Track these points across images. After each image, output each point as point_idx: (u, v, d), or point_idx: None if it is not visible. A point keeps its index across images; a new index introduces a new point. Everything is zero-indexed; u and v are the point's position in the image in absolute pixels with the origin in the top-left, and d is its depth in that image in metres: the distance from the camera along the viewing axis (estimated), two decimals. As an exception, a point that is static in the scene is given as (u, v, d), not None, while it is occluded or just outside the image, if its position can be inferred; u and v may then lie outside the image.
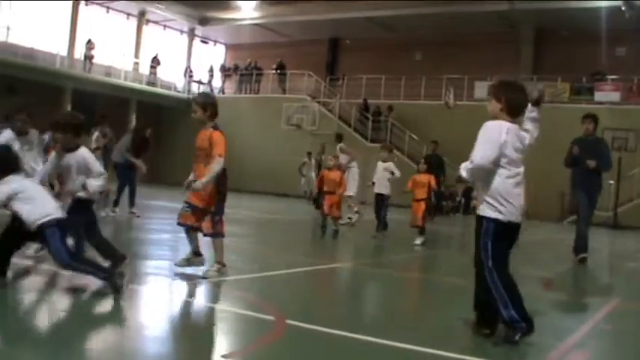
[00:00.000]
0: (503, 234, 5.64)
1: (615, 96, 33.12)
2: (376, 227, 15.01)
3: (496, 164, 5.54)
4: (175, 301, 7.15)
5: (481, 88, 35.07)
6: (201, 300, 7.17)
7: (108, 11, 41.87)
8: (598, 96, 33.36)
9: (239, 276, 8.46)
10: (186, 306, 6.79)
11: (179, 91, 44.11)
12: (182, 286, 7.74)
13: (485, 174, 5.59)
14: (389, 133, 36.12)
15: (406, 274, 10.82)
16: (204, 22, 44.88)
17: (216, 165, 7.60)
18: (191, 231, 8.13)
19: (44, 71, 35.11)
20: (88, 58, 37.98)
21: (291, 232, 17.35)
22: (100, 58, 38.81)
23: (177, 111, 42.04)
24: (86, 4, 40.22)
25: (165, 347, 5.14)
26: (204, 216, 7.97)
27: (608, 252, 18.51)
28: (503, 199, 5.55)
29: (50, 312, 6.00)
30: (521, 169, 5.68)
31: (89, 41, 38.03)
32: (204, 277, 7.81)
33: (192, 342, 5.28)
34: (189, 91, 44.53)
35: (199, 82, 45.44)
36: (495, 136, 5.52)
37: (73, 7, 39.24)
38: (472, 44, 38.23)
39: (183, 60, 46.14)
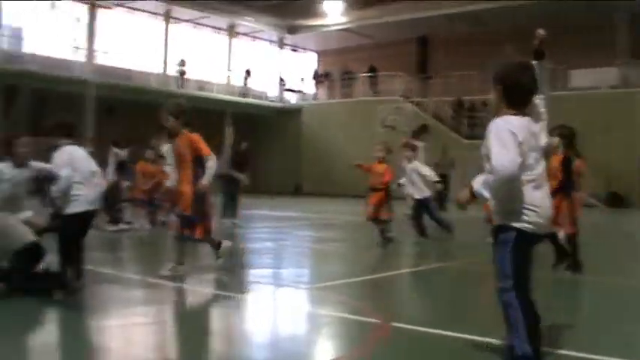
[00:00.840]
0: (525, 247, 4.59)
1: None
2: (419, 234, 13.27)
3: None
4: (281, 307, 7.20)
5: (577, 77, 34.32)
6: (305, 305, 7.21)
7: (198, 27, 42.62)
8: None
9: (342, 280, 8.49)
10: (292, 312, 6.83)
11: (272, 100, 44.54)
12: (287, 293, 7.81)
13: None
14: (484, 130, 35.56)
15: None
16: (292, 30, 45.21)
17: (212, 162, 7.88)
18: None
19: (141, 90, 36.01)
20: (181, 74, 38.83)
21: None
22: (192, 73, 39.61)
23: (271, 120, 42.48)
24: (177, 23, 41.05)
25: (273, 353, 5.19)
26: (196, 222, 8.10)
27: None
28: (529, 205, 4.50)
29: (159, 322, 6.14)
30: (539, 171, 4.59)
31: (181, 59, 38.89)
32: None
33: (299, 347, 5.31)
34: (282, 99, 45.02)
35: (292, 91, 45.87)
36: (508, 136, 4.43)
37: (165, 27, 40.11)
38: (565, 33, 37.39)
39: (274, 69, 46.56)
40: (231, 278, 8.54)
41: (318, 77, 45.41)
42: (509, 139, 4.40)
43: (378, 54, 43.06)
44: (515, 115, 4.55)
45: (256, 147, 39.40)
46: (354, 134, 38.87)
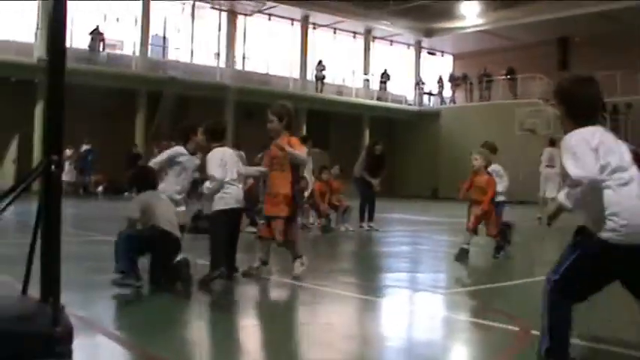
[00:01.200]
0: (604, 260, 4.21)
1: None
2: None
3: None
4: (417, 311, 7.18)
5: None
6: (442, 310, 7.17)
7: (335, 32, 43.07)
8: None
9: (478, 286, 8.41)
10: (428, 316, 6.81)
11: (410, 104, 44.50)
12: (423, 297, 7.80)
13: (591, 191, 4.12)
14: (627, 133, 34.54)
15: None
16: (429, 33, 45.04)
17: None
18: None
19: (279, 94, 36.66)
20: (320, 78, 39.31)
21: (523, 241, 16.82)
22: (330, 78, 40.06)
23: (409, 124, 42.50)
24: (314, 29, 41.61)
25: (410, 358, 5.19)
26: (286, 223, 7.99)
27: None
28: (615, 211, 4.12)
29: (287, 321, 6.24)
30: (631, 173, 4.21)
31: (320, 62, 39.39)
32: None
33: (436, 353, 5.30)
34: (420, 103, 44.93)
35: (430, 94, 45.73)
36: (577, 145, 4.14)
37: (302, 32, 40.72)
38: None
39: (411, 73, 46.51)
40: (369, 282, 8.59)
41: (455, 80, 45.04)
42: (580, 147, 4.13)
43: (516, 56, 42.33)
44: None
45: (394, 151, 39.48)
46: (492, 138, 37.91)
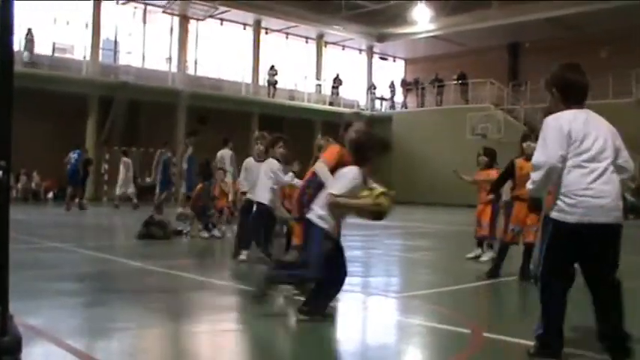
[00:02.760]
0: (567, 238, 4.59)
1: None
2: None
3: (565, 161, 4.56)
4: (371, 316, 7.18)
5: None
6: (395, 314, 7.17)
7: (287, 37, 43.08)
8: None
9: (433, 289, 8.43)
10: (382, 320, 6.81)
11: (362, 109, 44.59)
12: (377, 301, 7.80)
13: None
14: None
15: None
16: (381, 38, 45.22)
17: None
18: None
19: (231, 99, 36.61)
20: (272, 83, 39.28)
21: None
22: (283, 82, 40.03)
23: (361, 129, 42.65)
24: (266, 33, 41.57)
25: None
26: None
27: None
28: (570, 194, 4.53)
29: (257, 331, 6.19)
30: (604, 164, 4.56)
31: (272, 67, 39.34)
32: None
33: (389, 356, 5.29)
34: (372, 108, 45.09)
35: (382, 99, 45.90)
36: (551, 132, 4.63)
37: (254, 36, 40.64)
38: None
39: (363, 78, 46.64)
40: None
41: (407, 85, 45.29)
42: (551, 135, 4.62)
43: (467, 61, 42.69)
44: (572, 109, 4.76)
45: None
46: (444, 142, 38.60)
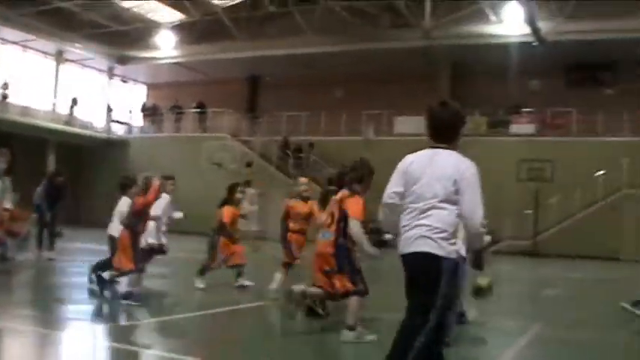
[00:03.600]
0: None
1: (531, 128, 34.25)
2: None
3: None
4: (97, 344, 7.10)
5: (401, 123, 35.81)
6: (117, 342, 7.07)
7: (25, 50, 41.28)
8: (514, 128, 34.47)
9: (163, 317, 8.45)
10: (104, 349, 6.75)
11: (98, 131, 43.51)
12: (104, 330, 7.71)
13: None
14: (310, 170, 36.32)
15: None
16: (123, 61, 44.39)
17: None
18: None
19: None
20: (3, 97, 37.33)
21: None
22: (17, 98, 38.21)
23: (97, 151, 41.59)
24: (2, 44, 39.63)
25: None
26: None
27: (529, 280, 18.92)
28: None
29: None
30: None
31: (4, 82, 37.41)
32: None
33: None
34: (109, 131, 44.06)
35: (120, 122, 45.00)
36: (396, 172, 5.19)
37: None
38: (391, 80, 38.77)
39: (102, 99, 45.57)
40: (47, 314, 8.35)
41: (147, 110, 44.86)
42: (395, 173, 5.02)
43: (208, 90, 43.03)
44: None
45: (81, 178, 38.52)
46: (182, 169, 38.47)
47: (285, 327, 8.95)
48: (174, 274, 14.50)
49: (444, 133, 5.00)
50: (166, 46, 41.56)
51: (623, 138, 32.05)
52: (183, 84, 44.79)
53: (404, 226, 4.85)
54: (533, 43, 32.21)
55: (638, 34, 30.73)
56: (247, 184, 23.68)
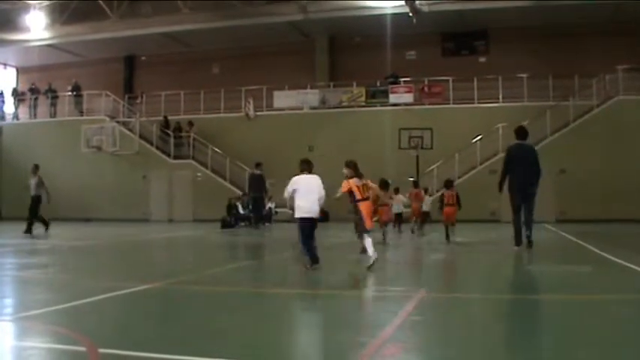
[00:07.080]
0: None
1: (409, 97, 34.87)
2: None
3: None
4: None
5: (280, 98, 35.92)
6: (7, 338, 6.82)
7: None
8: (393, 98, 35.01)
9: (47, 308, 8.18)
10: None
11: (-33, 119, 41.87)
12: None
13: None
14: (191, 149, 36.03)
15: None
16: (-11, 43, 42.71)
17: None
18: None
19: None
20: None
21: (99, 257, 16.75)
22: None
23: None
24: None
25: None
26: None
27: (412, 246, 19.18)
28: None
29: None
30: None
31: None
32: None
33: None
34: (-23, 117, 42.40)
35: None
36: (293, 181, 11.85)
37: None
38: (269, 55, 38.82)
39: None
40: None
41: (19, 95, 43.28)
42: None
43: (84, 72, 42.06)
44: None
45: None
46: (61, 154, 37.57)
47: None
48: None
49: None
50: (37, 28, 40.09)
51: (498, 104, 33.00)
52: (57, 66, 43.53)
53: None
54: (409, 14, 32.70)
55: (508, 2, 31.68)
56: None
